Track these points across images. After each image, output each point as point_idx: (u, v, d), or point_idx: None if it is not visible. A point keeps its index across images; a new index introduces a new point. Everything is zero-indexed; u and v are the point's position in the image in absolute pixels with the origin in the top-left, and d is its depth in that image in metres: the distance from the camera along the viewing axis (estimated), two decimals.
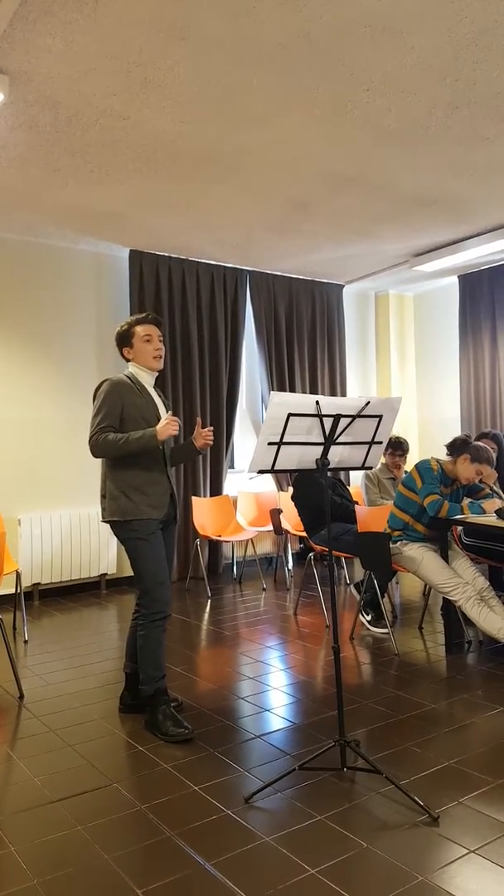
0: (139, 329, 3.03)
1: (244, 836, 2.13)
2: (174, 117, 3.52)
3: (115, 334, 3.10)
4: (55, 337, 5.59)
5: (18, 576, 4.41)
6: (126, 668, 3.16)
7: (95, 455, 2.89)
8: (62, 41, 2.86)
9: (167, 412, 3.09)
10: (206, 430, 3.09)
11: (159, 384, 5.76)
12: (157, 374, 3.09)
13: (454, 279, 7.09)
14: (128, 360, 3.08)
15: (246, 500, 6.36)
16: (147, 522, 2.91)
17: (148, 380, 3.07)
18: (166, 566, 2.97)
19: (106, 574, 5.69)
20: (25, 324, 5.46)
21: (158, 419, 3.00)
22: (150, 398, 3.01)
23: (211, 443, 3.10)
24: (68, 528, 5.47)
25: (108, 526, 5.63)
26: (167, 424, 2.84)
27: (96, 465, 5.73)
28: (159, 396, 3.12)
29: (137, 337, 3.02)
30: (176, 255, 5.94)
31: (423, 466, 3.89)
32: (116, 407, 2.92)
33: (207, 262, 6.13)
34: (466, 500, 3.90)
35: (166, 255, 5.90)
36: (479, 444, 3.86)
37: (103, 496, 2.97)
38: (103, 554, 5.63)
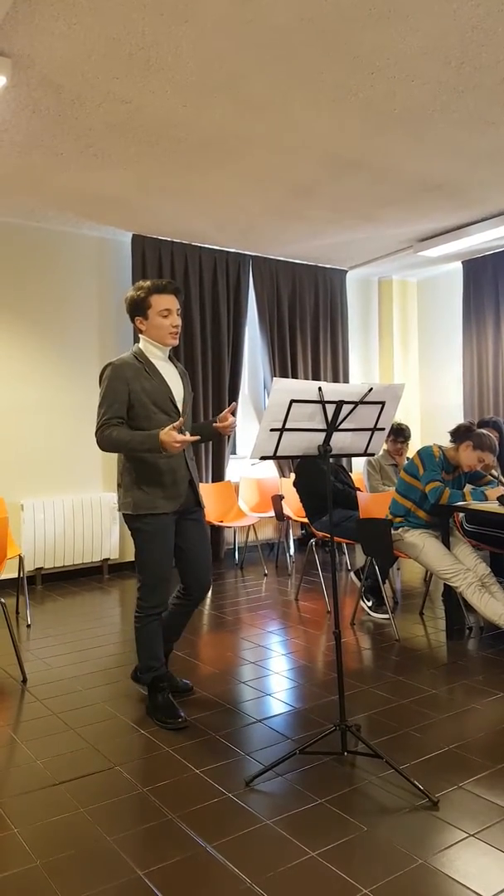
0: (156, 299, 2.75)
1: (245, 819, 2.15)
2: (177, 101, 3.48)
3: (128, 299, 2.80)
4: (57, 321, 5.58)
5: (21, 560, 4.43)
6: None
7: (102, 450, 2.73)
8: (65, 24, 2.83)
9: (186, 389, 2.89)
10: (228, 421, 2.88)
11: None
12: (168, 349, 2.86)
13: (458, 265, 7.05)
14: (140, 330, 2.84)
15: (248, 486, 6.37)
16: (159, 517, 2.78)
17: (160, 355, 2.84)
18: (172, 561, 2.86)
19: (108, 559, 5.72)
20: (27, 308, 5.44)
21: (173, 402, 2.81)
22: (160, 379, 2.80)
23: (229, 433, 2.93)
24: (71, 513, 5.49)
25: (110, 511, 5.65)
26: (174, 443, 2.58)
27: (97, 449, 5.74)
28: (176, 369, 2.90)
29: (154, 309, 2.76)
30: (178, 240, 5.91)
31: (425, 453, 3.89)
32: (122, 394, 2.72)
33: (210, 246, 6.10)
34: (468, 487, 3.91)
35: (169, 239, 5.86)
36: (483, 431, 3.86)
37: (119, 486, 2.85)
38: (106, 539, 5.65)
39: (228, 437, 2.95)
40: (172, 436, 2.58)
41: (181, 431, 2.71)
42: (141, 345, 2.85)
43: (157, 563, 2.82)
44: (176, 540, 2.91)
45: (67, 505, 5.48)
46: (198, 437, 2.71)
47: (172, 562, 2.87)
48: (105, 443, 2.71)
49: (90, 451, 5.70)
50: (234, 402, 2.90)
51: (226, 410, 2.89)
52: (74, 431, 5.63)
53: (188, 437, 2.63)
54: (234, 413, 2.90)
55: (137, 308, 2.80)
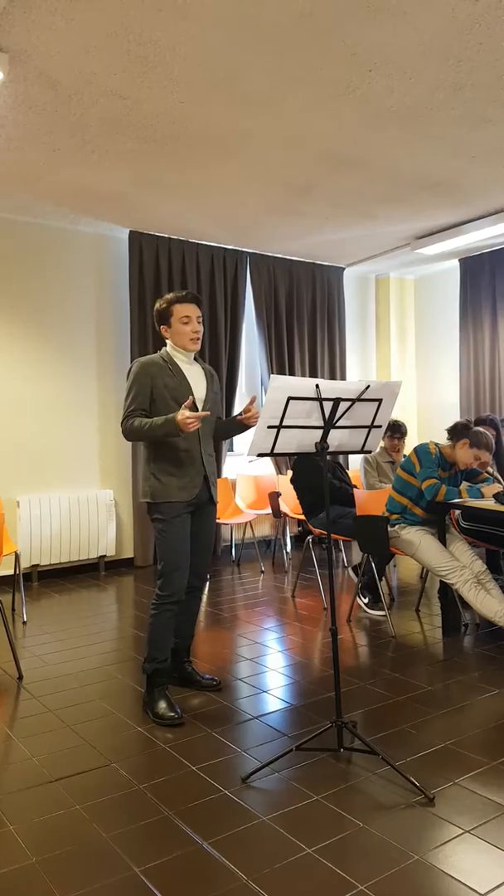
0: (178, 308, 2.96)
1: (241, 816, 2.16)
2: (175, 97, 3.47)
3: (154, 310, 3.03)
4: (54, 317, 5.56)
5: (17, 557, 4.43)
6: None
7: (126, 439, 2.92)
8: (62, 19, 2.82)
9: (209, 389, 3.04)
10: (251, 412, 3.02)
11: None
12: (193, 353, 3.04)
13: (455, 263, 7.05)
14: (165, 337, 3.04)
15: (245, 483, 6.37)
16: (173, 505, 2.90)
17: (184, 359, 3.01)
18: (188, 552, 2.95)
19: (105, 556, 5.71)
20: (24, 304, 5.43)
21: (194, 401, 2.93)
22: (183, 379, 2.96)
23: (254, 423, 3.00)
24: (67, 510, 5.48)
25: (107, 508, 5.65)
26: (185, 421, 2.71)
27: (95, 446, 5.74)
28: (203, 370, 3.07)
29: (175, 317, 2.96)
30: (176, 237, 5.90)
31: (421, 450, 3.90)
32: (145, 388, 2.90)
33: (208, 243, 6.09)
34: (465, 485, 3.91)
35: (166, 236, 5.85)
36: (480, 429, 3.87)
37: (143, 477, 3.02)
38: (102, 536, 5.65)
39: (254, 425, 3.02)
40: (185, 414, 2.72)
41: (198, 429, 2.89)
42: (168, 348, 3.03)
43: (172, 550, 2.91)
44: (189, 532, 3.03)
45: (64, 502, 5.48)
46: (208, 413, 2.81)
47: (187, 552, 2.95)
48: (128, 432, 2.89)
49: (87, 447, 5.70)
50: (253, 395, 3.04)
51: (247, 403, 3.03)
52: (71, 428, 5.63)
53: (200, 412, 2.78)
54: (253, 403, 3.06)
55: (162, 318, 3.00)
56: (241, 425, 3.10)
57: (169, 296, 3.00)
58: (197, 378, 3.03)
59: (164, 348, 3.05)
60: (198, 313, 2.98)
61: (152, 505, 2.94)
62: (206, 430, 3.03)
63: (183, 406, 2.78)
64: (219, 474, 6.17)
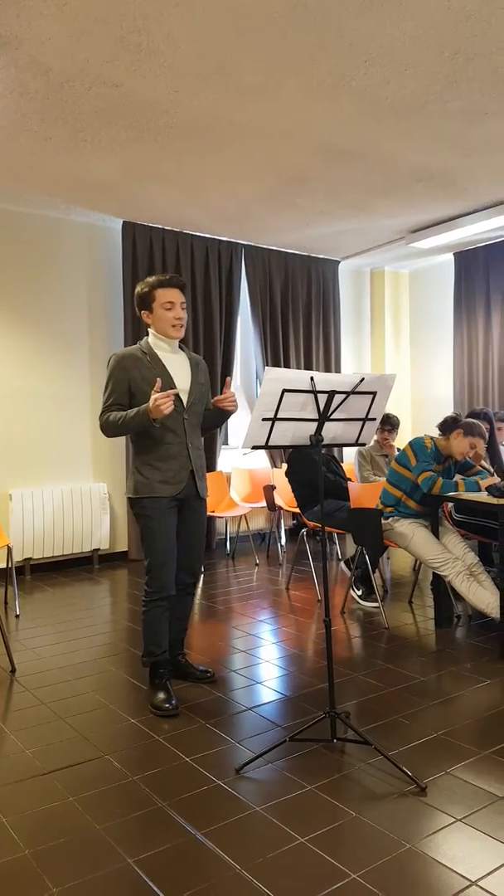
0: (160, 293, 2.83)
1: (235, 807, 2.16)
2: (168, 86, 3.45)
3: (135, 294, 2.89)
4: (46, 309, 5.53)
5: (10, 550, 4.41)
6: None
7: (105, 435, 2.86)
8: (54, 5, 2.79)
9: (195, 379, 2.92)
10: (223, 396, 2.92)
11: None
12: (176, 341, 2.92)
13: (450, 256, 7.04)
14: (146, 324, 2.93)
15: (240, 477, 6.37)
16: (157, 501, 2.84)
17: (166, 347, 2.90)
18: (173, 547, 2.90)
19: (98, 549, 5.70)
20: (15, 295, 5.39)
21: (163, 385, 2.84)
22: (161, 368, 2.85)
23: (231, 406, 2.92)
24: (60, 503, 5.47)
25: (101, 501, 5.64)
26: (156, 406, 2.64)
27: (88, 439, 5.72)
28: (188, 359, 2.96)
29: (158, 302, 2.83)
30: (170, 228, 5.87)
31: (417, 444, 3.90)
32: (122, 383, 2.83)
33: (202, 235, 6.07)
34: (458, 477, 3.92)
35: (160, 227, 5.82)
36: (471, 420, 3.88)
37: (129, 471, 2.96)
38: (96, 529, 5.64)
39: (234, 410, 2.95)
40: (152, 401, 2.65)
41: (184, 420, 2.86)
42: (149, 338, 2.93)
43: (156, 546, 2.87)
44: (177, 528, 2.97)
45: (57, 495, 5.46)
46: (176, 391, 2.76)
47: (173, 547, 2.92)
48: (105, 427, 2.83)
49: (80, 440, 5.68)
50: (227, 377, 2.95)
51: (224, 388, 2.96)
52: (64, 421, 5.60)
53: (170, 391, 2.70)
54: (228, 387, 2.97)
55: (143, 302, 2.88)
56: (221, 412, 2.99)
57: (151, 279, 2.85)
58: (180, 368, 2.92)
59: (145, 338, 2.94)
60: (181, 299, 2.86)
61: (135, 500, 2.87)
62: (194, 421, 2.94)
63: (152, 391, 2.69)
64: (213, 468, 6.16)
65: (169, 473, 2.85)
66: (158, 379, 2.76)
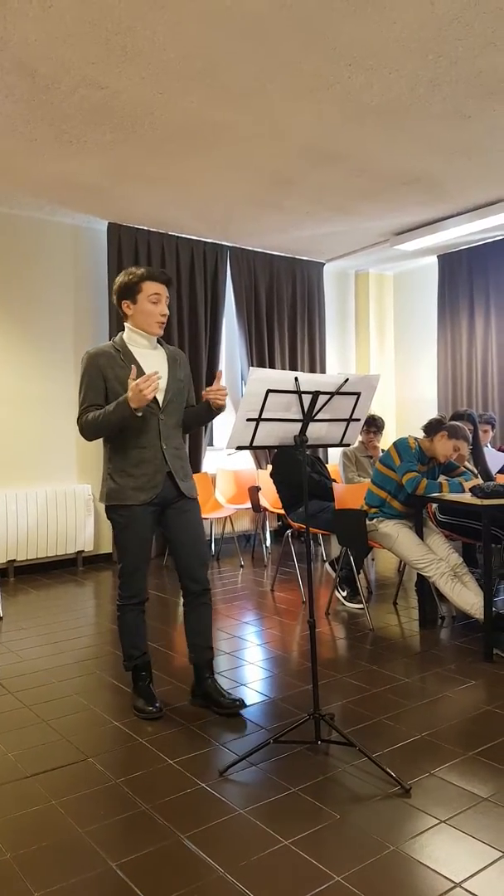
0: (148, 285, 2.71)
1: (219, 809, 2.15)
2: (154, 87, 3.44)
3: (118, 284, 2.74)
4: (30, 310, 5.50)
5: None
6: (189, 660, 2.95)
7: (85, 438, 2.73)
8: (39, 6, 2.78)
9: (172, 375, 2.78)
10: (213, 388, 2.75)
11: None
12: (156, 337, 2.81)
13: (433, 259, 7.09)
14: (125, 315, 2.78)
15: (224, 478, 6.36)
16: (129, 508, 2.74)
17: (143, 343, 2.78)
18: (146, 554, 2.83)
19: (83, 551, 5.67)
20: None
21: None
22: (137, 367, 2.73)
23: (221, 402, 2.76)
24: (45, 505, 5.43)
25: (85, 503, 5.61)
26: (137, 390, 2.50)
27: (72, 440, 5.69)
28: (166, 354, 2.83)
29: (144, 294, 2.71)
30: (156, 229, 5.86)
31: (401, 444, 3.92)
32: (96, 380, 2.71)
33: (188, 236, 6.06)
34: (443, 478, 3.94)
35: (145, 228, 5.81)
36: (455, 422, 3.90)
37: (102, 477, 2.84)
38: (80, 531, 5.61)
39: (223, 407, 2.84)
40: (133, 388, 2.52)
41: (158, 422, 2.73)
42: (125, 334, 2.81)
43: (128, 553, 2.81)
44: (165, 533, 2.89)
45: (41, 496, 5.43)
46: (156, 372, 2.58)
47: (147, 553, 2.85)
48: (85, 429, 2.72)
49: (65, 441, 5.65)
50: (218, 370, 2.81)
51: (215, 381, 2.81)
52: (49, 422, 5.57)
53: (152, 374, 2.54)
54: (219, 380, 2.82)
55: (127, 291, 2.74)
56: (209, 409, 2.84)
57: (139, 269, 2.72)
58: (156, 364, 2.79)
59: (119, 334, 2.81)
60: (167, 295, 2.77)
61: (109, 507, 2.78)
62: (170, 421, 2.79)
63: (129, 379, 2.57)
64: (198, 469, 6.15)
65: (143, 479, 2.74)
66: (133, 366, 2.62)
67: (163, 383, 2.77)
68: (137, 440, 2.73)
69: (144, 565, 2.85)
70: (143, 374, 2.72)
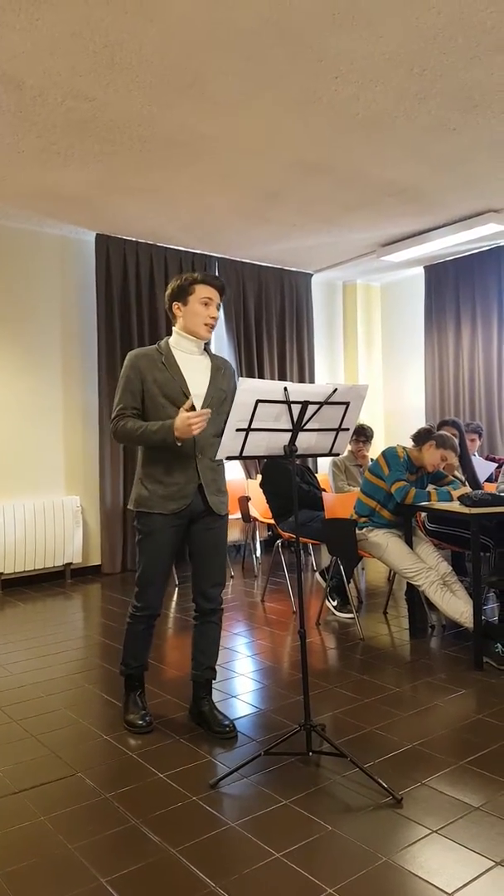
0: (201, 288, 2.68)
1: (210, 822, 2.14)
2: (142, 100, 3.46)
3: (172, 286, 2.72)
4: (18, 321, 5.49)
5: None
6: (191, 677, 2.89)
7: (117, 441, 2.70)
8: (26, 19, 2.79)
9: (213, 384, 2.73)
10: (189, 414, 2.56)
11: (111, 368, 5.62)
12: (202, 342, 2.76)
13: (420, 270, 7.14)
14: (174, 317, 2.74)
15: None
16: (154, 517, 2.68)
17: (189, 347, 2.73)
18: (166, 568, 2.76)
19: (71, 563, 5.64)
20: None
21: (187, 397, 2.65)
22: (175, 370, 2.68)
23: (194, 431, 2.55)
24: (32, 517, 5.40)
25: (73, 514, 5.57)
26: (186, 424, 2.49)
27: (61, 452, 5.66)
28: (211, 363, 2.77)
29: (196, 296, 2.68)
30: (144, 240, 5.87)
31: (389, 453, 3.93)
32: (134, 383, 2.66)
33: (175, 247, 6.08)
34: (431, 487, 3.96)
35: (133, 239, 5.82)
36: (444, 432, 3.92)
37: (134, 480, 2.79)
38: (69, 543, 5.57)
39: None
40: (185, 415, 2.51)
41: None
42: (171, 338, 2.77)
43: (146, 563, 2.74)
44: (189, 546, 2.83)
45: (29, 508, 5.39)
46: (208, 412, 2.55)
47: (166, 567, 2.76)
48: (119, 434, 2.68)
49: (53, 453, 5.62)
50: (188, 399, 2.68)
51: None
52: (36, 434, 5.55)
53: (201, 411, 2.53)
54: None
55: (180, 293, 2.71)
56: None
57: (193, 274, 2.72)
58: (197, 370, 2.73)
59: (166, 338, 2.78)
60: (218, 301, 2.73)
61: (136, 513, 2.73)
62: (207, 431, 2.68)
63: (182, 409, 2.54)
64: None
65: (173, 488, 2.68)
66: (190, 398, 2.60)
67: (202, 390, 2.72)
68: (172, 449, 2.66)
69: (161, 578, 2.76)
70: (178, 393, 2.67)
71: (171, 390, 2.67)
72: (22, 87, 3.31)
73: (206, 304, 2.69)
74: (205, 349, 2.82)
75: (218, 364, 2.82)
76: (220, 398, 2.77)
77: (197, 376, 2.72)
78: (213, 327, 2.74)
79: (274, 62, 3.15)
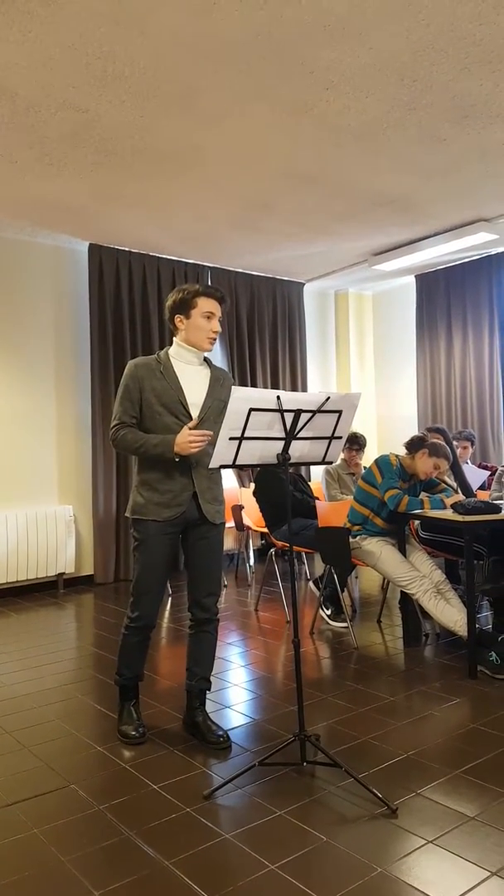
0: (203, 301, 2.70)
1: (204, 834, 2.12)
2: (134, 111, 3.48)
3: (174, 299, 2.73)
4: (10, 330, 5.48)
5: None
6: (186, 686, 2.88)
7: (116, 449, 2.70)
8: (19, 31, 2.80)
9: (210, 395, 2.74)
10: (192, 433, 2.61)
11: (104, 378, 5.64)
12: (203, 353, 2.79)
13: (411, 279, 7.18)
14: (176, 330, 2.76)
15: None
16: (149, 524, 2.70)
17: (189, 358, 2.75)
18: (162, 577, 2.75)
19: (63, 573, 5.61)
20: None
21: (183, 405, 2.68)
22: (173, 380, 2.69)
23: (193, 449, 2.61)
24: (24, 527, 5.38)
25: (66, 524, 5.55)
26: (187, 441, 2.55)
27: (53, 462, 5.65)
28: (211, 373, 2.79)
29: (198, 309, 2.70)
30: (136, 250, 5.89)
31: (382, 461, 3.94)
32: (133, 392, 2.69)
33: (168, 257, 6.09)
34: (424, 495, 3.96)
35: (126, 249, 5.84)
36: (436, 441, 3.93)
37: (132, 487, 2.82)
38: (61, 553, 5.55)
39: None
40: (185, 435, 2.56)
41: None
42: (171, 348, 2.78)
43: (141, 571, 2.73)
44: (185, 555, 2.84)
45: (21, 518, 5.37)
46: (210, 433, 2.59)
47: (161, 577, 2.75)
48: (118, 443, 2.70)
49: (46, 462, 5.61)
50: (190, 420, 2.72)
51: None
52: (29, 443, 5.53)
53: (204, 431, 2.58)
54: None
55: (181, 306, 2.73)
56: None
57: (194, 286, 2.73)
58: (195, 380, 2.75)
59: (166, 348, 2.79)
60: (220, 314, 2.75)
61: (132, 521, 2.75)
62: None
63: (186, 426, 2.60)
64: None
65: (168, 496, 2.69)
66: (195, 418, 2.65)
67: (199, 400, 2.74)
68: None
69: (157, 588, 2.75)
70: (175, 401, 2.71)
71: (168, 399, 2.68)
72: (15, 98, 3.32)
73: (208, 318, 2.72)
74: (205, 360, 2.84)
75: (217, 375, 2.83)
76: (218, 408, 2.77)
77: (194, 386, 2.74)
78: (215, 341, 2.77)
79: (265, 74, 3.17)
